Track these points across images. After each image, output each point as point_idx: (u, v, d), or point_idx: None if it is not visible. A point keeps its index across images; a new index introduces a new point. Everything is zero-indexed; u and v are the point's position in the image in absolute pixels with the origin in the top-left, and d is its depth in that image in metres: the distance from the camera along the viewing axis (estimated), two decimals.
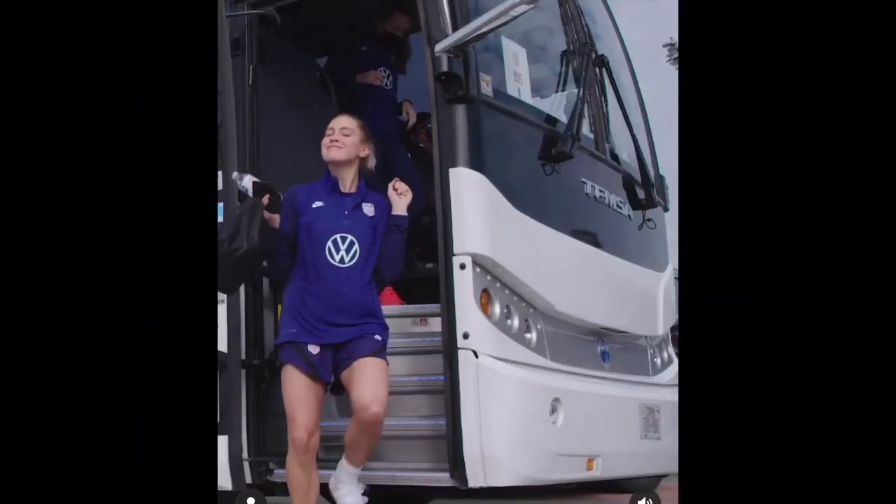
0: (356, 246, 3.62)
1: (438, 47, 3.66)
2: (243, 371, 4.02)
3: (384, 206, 3.69)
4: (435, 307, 4.24)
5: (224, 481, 3.81)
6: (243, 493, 3.75)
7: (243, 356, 4.01)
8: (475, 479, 3.55)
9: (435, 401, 3.94)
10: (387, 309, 4.85)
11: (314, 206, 3.66)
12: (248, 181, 3.65)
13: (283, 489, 4.37)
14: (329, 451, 4.28)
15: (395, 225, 3.67)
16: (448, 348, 3.63)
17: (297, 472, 3.62)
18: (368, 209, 3.69)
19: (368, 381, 3.52)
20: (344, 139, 3.68)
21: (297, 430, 3.56)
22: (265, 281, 4.18)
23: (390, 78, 5.02)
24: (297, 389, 3.60)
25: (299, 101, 4.74)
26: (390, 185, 3.70)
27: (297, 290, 3.64)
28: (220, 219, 3.83)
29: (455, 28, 3.70)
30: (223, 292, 3.86)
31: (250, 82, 4.25)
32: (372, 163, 3.77)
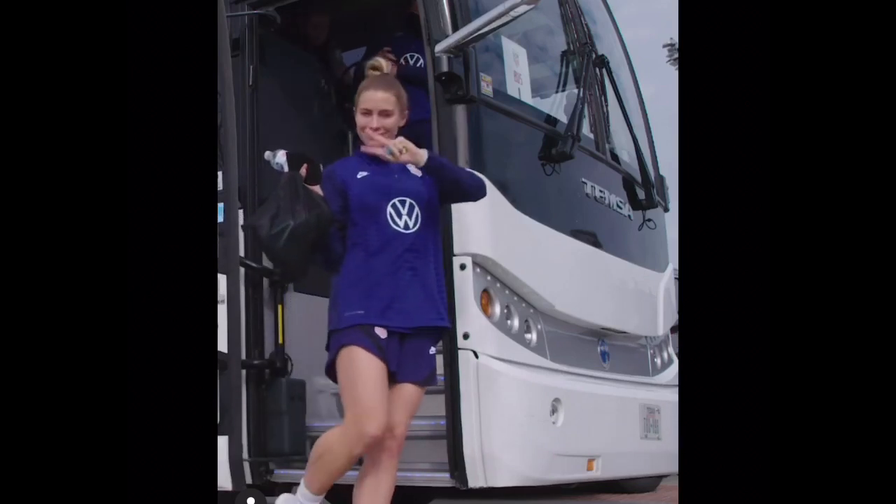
0: (416, 209, 3.31)
1: (438, 47, 3.66)
2: (243, 371, 4.01)
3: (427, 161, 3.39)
4: None
5: (224, 481, 3.81)
6: (243, 493, 3.75)
7: (243, 356, 4.01)
8: (475, 479, 3.56)
9: (435, 401, 3.94)
10: None
11: (359, 176, 3.34)
12: (281, 156, 3.41)
13: (283, 489, 4.37)
14: None
15: (432, 170, 3.31)
16: (448, 348, 3.62)
17: (342, 452, 3.21)
18: (414, 168, 3.38)
19: (405, 410, 3.30)
20: (384, 122, 3.33)
21: (370, 421, 3.16)
22: (265, 281, 4.18)
23: (420, 63, 4.79)
24: (370, 372, 3.19)
25: (299, 101, 4.74)
26: (385, 155, 3.29)
27: (360, 263, 3.28)
28: (220, 219, 3.83)
29: (455, 28, 3.71)
30: (290, 280, 3.63)
31: (250, 82, 4.26)
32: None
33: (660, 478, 6.32)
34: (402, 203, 3.31)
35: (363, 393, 3.18)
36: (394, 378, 3.25)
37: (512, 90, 4.10)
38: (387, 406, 3.20)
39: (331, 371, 3.35)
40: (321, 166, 3.37)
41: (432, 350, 3.34)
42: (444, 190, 3.38)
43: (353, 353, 3.21)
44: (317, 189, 3.31)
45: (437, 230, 3.40)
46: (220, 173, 3.85)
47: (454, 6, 3.76)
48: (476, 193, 3.43)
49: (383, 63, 3.46)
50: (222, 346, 3.77)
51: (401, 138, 3.30)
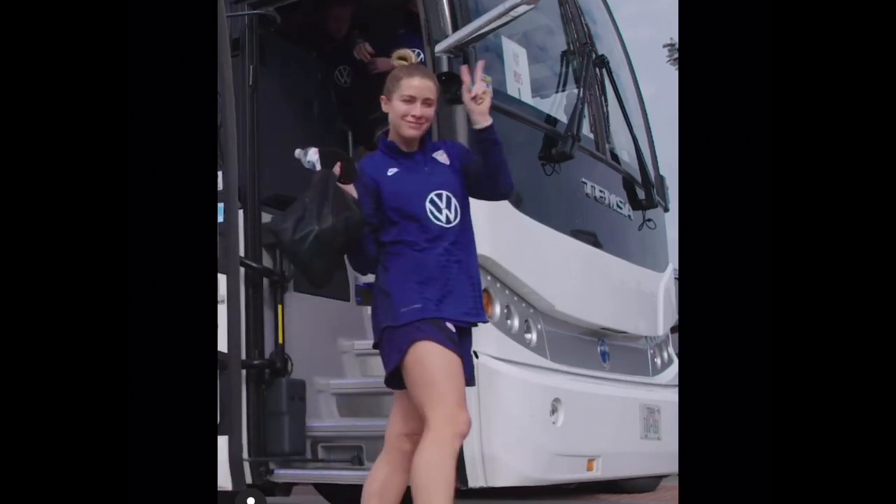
0: (454, 201, 3.18)
1: (438, 47, 3.66)
2: (243, 371, 4.01)
3: (452, 148, 3.34)
4: None
5: (224, 481, 3.81)
6: (243, 493, 3.75)
7: (243, 356, 4.01)
8: (475, 479, 3.56)
9: None
10: None
11: (390, 173, 3.20)
12: (313, 154, 3.26)
13: (283, 489, 4.38)
14: (329, 451, 4.29)
15: (484, 141, 3.17)
16: None
17: (446, 462, 3.01)
18: (441, 157, 3.28)
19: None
20: (426, 112, 3.20)
21: (462, 415, 3.03)
22: (265, 281, 4.19)
23: (422, 59, 4.91)
24: (451, 366, 3.04)
25: (299, 101, 4.74)
26: (466, 93, 3.15)
27: (409, 259, 3.14)
28: (220, 219, 3.83)
29: (455, 28, 3.71)
30: (315, 286, 3.42)
31: (250, 82, 4.26)
32: None
33: (660, 478, 6.31)
34: (440, 197, 3.18)
35: (448, 389, 3.03)
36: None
37: (512, 90, 4.10)
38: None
39: (393, 370, 3.13)
40: (356, 164, 3.24)
41: (472, 348, 3.24)
42: (481, 175, 3.22)
43: (429, 349, 3.04)
44: (350, 189, 3.19)
45: (471, 219, 3.26)
46: (220, 173, 3.85)
47: (454, 6, 3.76)
48: (508, 188, 3.32)
49: (411, 54, 3.35)
50: (222, 346, 3.77)
51: (484, 88, 3.15)
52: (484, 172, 3.21)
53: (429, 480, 2.99)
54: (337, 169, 3.17)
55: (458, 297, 3.13)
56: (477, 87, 3.14)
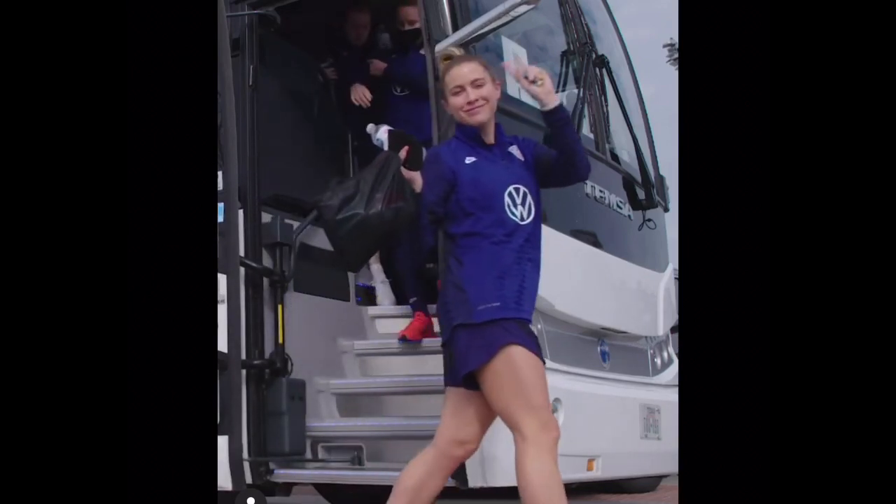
0: (529, 198, 3.09)
1: (439, 47, 3.66)
2: (243, 371, 4.01)
3: (525, 144, 3.26)
4: (435, 307, 4.25)
5: (224, 481, 3.81)
6: (243, 493, 3.75)
7: (243, 356, 4.01)
8: (475, 479, 3.55)
9: (435, 401, 3.94)
10: (384, 309, 4.88)
11: (468, 162, 3.08)
12: (382, 133, 3.14)
13: (283, 489, 4.38)
14: (329, 451, 4.29)
15: (556, 121, 3.08)
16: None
17: (554, 470, 2.93)
18: (516, 152, 3.20)
19: (491, 420, 3.07)
20: (479, 93, 3.11)
21: (552, 417, 2.98)
22: (265, 281, 4.18)
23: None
24: (538, 370, 2.95)
25: (299, 101, 4.74)
26: (523, 80, 3.09)
27: (485, 252, 3.00)
28: (220, 219, 3.83)
29: (455, 28, 3.70)
30: (348, 269, 3.25)
31: (250, 82, 4.25)
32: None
33: (660, 478, 6.32)
34: (517, 191, 3.08)
35: (539, 396, 2.95)
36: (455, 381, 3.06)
37: (512, 90, 4.09)
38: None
39: (469, 371, 3.00)
40: (424, 150, 3.09)
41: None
42: (556, 162, 3.14)
43: (520, 355, 2.94)
44: (415, 177, 3.03)
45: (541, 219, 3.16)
46: (220, 173, 3.85)
47: (454, 6, 3.76)
48: (587, 169, 3.20)
49: (455, 50, 3.32)
50: (222, 346, 3.77)
51: (538, 69, 3.04)
52: (560, 157, 3.13)
53: (548, 495, 2.89)
54: (403, 153, 3.02)
55: (533, 295, 3.06)
56: (531, 70, 3.06)
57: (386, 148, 3.06)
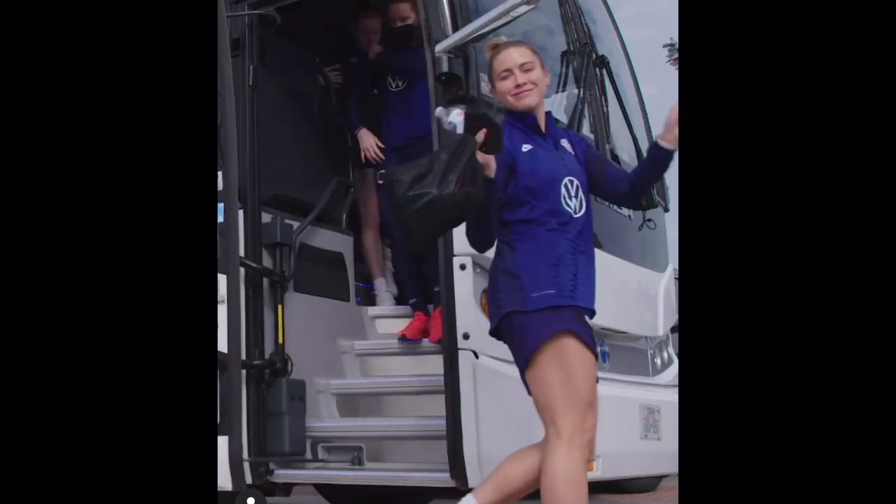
0: (581, 191, 3.08)
1: (439, 47, 3.66)
2: (243, 371, 4.01)
3: (576, 140, 3.27)
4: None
5: (224, 481, 3.81)
6: (243, 493, 3.75)
7: (243, 356, 4.01)
8: (475, 480, 3.55)
9: (435, 401, 3.94)
10: (384, 309, 4.88)
11: (524, 149, 3.05)
12: (456, 115, 3.03)
13: (283, 489, 4.38)
14: (329, 451, 4.29)
15: (662, 159, 3.08)
16: (448, 348, 3.62)
17: (583, 471, 2.90)
18: (567, 145, 3.19)
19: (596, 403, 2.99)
20: (528, 77, 3.09)
21: (591, 416, 2.93)
22: (265, 281, 4.18)
23: (402, 80, 4.74)
24: (591, 367, 2.92)
25: (299, 101, 4.74)
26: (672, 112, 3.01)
27: (540, 239, 2.97)
28: (220, 219, 3.83)
29: (455, 28, 3.70)
30: (411, 250, 3.19)
31: (250, 82, 4.25)
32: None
33: (660, 478, 6.32)
34: (571, 183, 3.06)
35: (584, 393, 2.91)
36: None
37: None
38: None
39: (524, 360, 2.95)
40: (503, 132, 2.98)
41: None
42: (613, 181, 3.19)
43: (570, 346, 2.90)
44: (489, 161, 2.96)
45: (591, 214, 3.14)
46: (220, 173, 3.85)
47: (454, 6, 3.76)
48: (637, 203, 3.30)
49: (502, 38, 3.30)
50: (222, 346, 3.77)
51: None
52: (629, 182, 3.17)
53: (573, 495, 2.86)
54: (481, 136, 2.92)
55: (588, 285, 3.03)
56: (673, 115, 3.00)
57: (459, 130, 2.98)
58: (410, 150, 4.49)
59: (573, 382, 2.89)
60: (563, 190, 3.05)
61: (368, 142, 4.68)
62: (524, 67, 3.10)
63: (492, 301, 3.05)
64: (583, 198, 3.10)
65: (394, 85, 4.74)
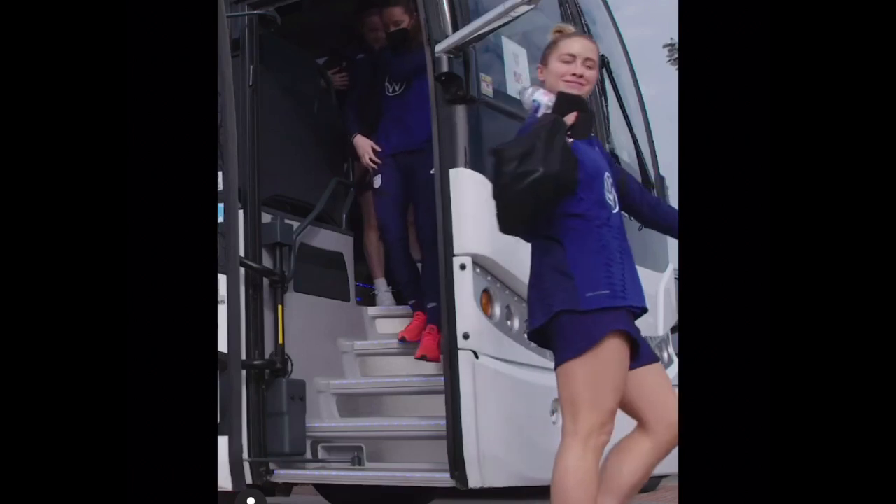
0: (613, 187, 3.07)
1: (439, 47, 3.66)
2: (243, 371, 4.01)
3: (595, 140, 3.24)
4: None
5: (224, 481, 3.81)
6: (243, 493, 3.76)
7: (243, 356, 4.01)
8: (475, 480, 3.55)
9: (435, 401, 3.94)
10: (384, 309, 4.88)
11: (568, 140, 2.96)
12: (542, 95, 2.96)
13: (283, 489, 4.38)
14: (329, 452, 4.29)
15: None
16: (448, 348, 3.62)
17: (595, 473, 2.89)
18: (594, 144, 3.19)
19: (672, 392, 2.94)
20: (587, 72, 3.06)
21: (611, 422, 2.90)
22: (265, 281, 4.19)
23: (400, 84, 4.70)
24: (625, 370, 2.89)
25: (299, 101, 4.74)
26: None
27: (591, 234, 2.93)
28: (220, 219, 3.83)
29: (455, 28, 3.70)
30: (502, 228, 3.03)
31: (250, 82, 4.25)
32: None
33: (660, 478, 6.31)
34: (607, 178, 3.04)
35: (614, 399, 2.89)
36: (637, 363, 2.98)
37: (512, 90, 4.09)
38: None
39: (570, 359, 2.91)
40: (595, 116, 2.92)
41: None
42: (652, 210, 3.35)
43: (619, 349, 2.89)
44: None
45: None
46: (220, 173, 3.85)
47: (454, 6, 3.76)
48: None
49: (569, 27, 3.29)
50: (222, 346, 3.77)
51: None
52: (657, 214, 3.33)
53: (582, 495, 2.85)
54: (571, 118, 2.85)
55: (636, 283, 3.01)
56: None
57: (543, 111, 2.92)
58: (407, 158, 4.49)
59: (603, 384, 2.88)
60: (606, 182, 3.04)
61: (364, 148, 4.67)
62: (587, 62, 3.07)
63: (538, 299, 2.99)
64: (615, 196, 3.08)
65: (391, 90, 4.70)
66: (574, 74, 3.04)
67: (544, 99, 2.98)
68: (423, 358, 4.23)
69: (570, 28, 3.30)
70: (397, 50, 4.64)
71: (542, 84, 3.14)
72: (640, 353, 2.98)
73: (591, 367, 2.87)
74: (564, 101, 2.90)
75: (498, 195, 2.91)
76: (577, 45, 3.09)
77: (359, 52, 5.00)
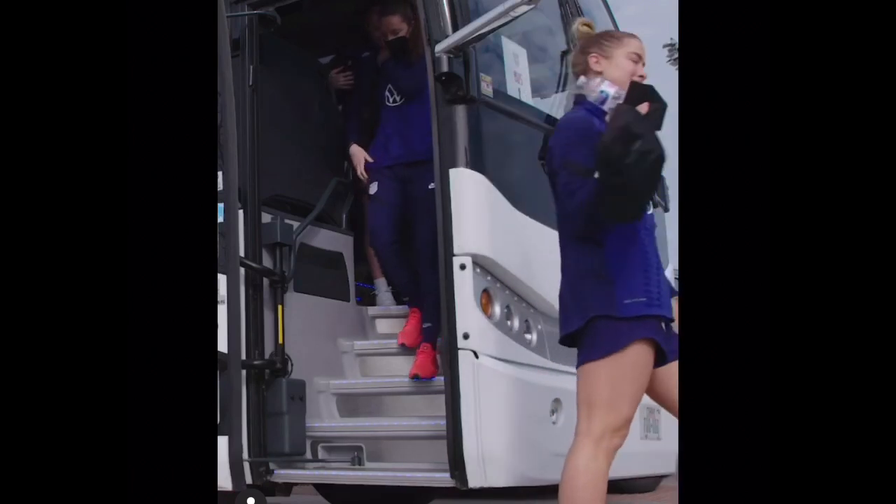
0: None
1: (439, 47, 3.66)
2: (243, 371, 4.01)
3: None
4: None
5: (224, 481, 3.81)
6: (243, 493, 3.76)
7: (243, 356, 4.01)
8: (475, 479, 3.55)
9: (435, 401, 3.94)
10: (384, 309, 4.88)
11: None
12: (608, 85, 2.98)
13: (283, 489, 4.38)
14: (329, 451, 4.29)
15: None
16: (448, 348, 3.62)
17: (605, 475, 2.89)
18: None
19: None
20: (642, 73, 3.09)
21: (627, 427, 2.91)
22: (265, 281, 4.19)
23: (400, 94, 4.65)
24: (645, 377, 2.89)
25: (299, 101, 4.74)
26: None
27: (631, 239, 2.90)
28: (220, 219, 3.84)
29: (455, 28, 3.70)
30: (626, 219, 2.85)
31: (250, 82, 4.25)
32: None
33: (660, 478, 6.32)
34: None
35: (633, 406, 2.89)
36: (664, 359, 2.96)
37: (512, 90, 4.09)
38: None
39: (593, 360, 2.90)
40: (666, 107, 2.81)
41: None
42: None
43: (645, 354, 2.88)
44: None
45: None
46: (220, 173, 3.85)
47: (454, 6, 3.76)
48: None
49: (593, 22, 3.31)
50: (222, 346, 3.77)
51: None
52: None
53: (590, 496, 2.84)
54: (644, 108, 2.80)
55: (666, 291, 2.99)
56: None
57: (612, 100, 2.90)
58: (406, 171, 4.47)
59: (623, 388, 2.87)
60: None
61: (357, 159, 4.65)
62: (643, 64, 3.11)
63: (573, 303, 2.96)
64: None
65: (391, 100, 4.65)
66: (640, 76, 3.05)
67: (612, 90, 2.97)
68: (415, 377, 4.21)
69: (594, 23, 3.30)
70: (397, 58, 4.60)
71: (587, 73, 3.11)
72: (673, 347, 2.93)
73: (613, 370, 2.86)
74: (638, 92, 2.85)
75: (621, 175, 2.74)
76: (642, 49, 3.11)
77: (364, 50, 4.99)
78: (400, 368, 4.52)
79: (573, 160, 2.90)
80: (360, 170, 4.64)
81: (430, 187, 4.15)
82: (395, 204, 4.54)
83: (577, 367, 2.99)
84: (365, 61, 4.94)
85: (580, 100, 3.13)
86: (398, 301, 4.88)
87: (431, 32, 3.74)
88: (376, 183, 4.58)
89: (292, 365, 4.20)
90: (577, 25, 3.26)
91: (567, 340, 3.04)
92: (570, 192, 2.90)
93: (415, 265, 4.48)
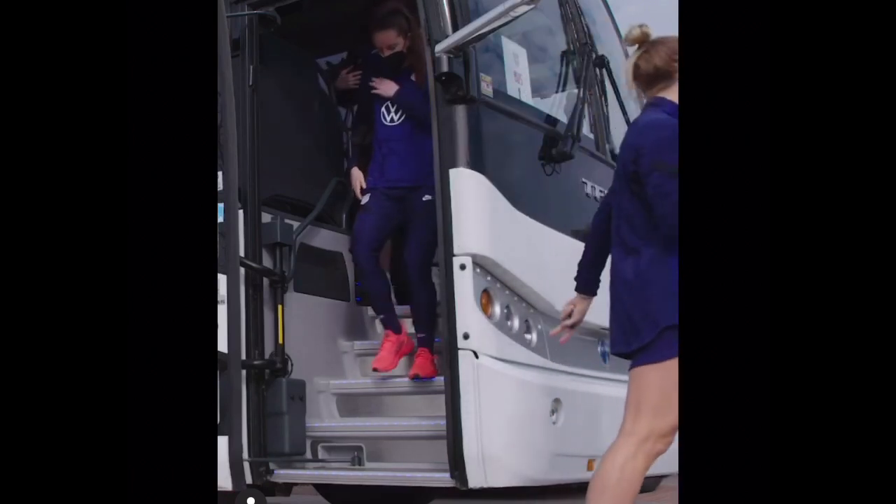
0: None
1: (439, 47, 3.66)
2: (243, 371, 4.02)
3: None
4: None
5: (224, 481, 3.81)
6: (243, 493, 3.76)
7: (243, 356, 4.01)
8: (475, 480, 3.56)
9: (435, 401, 3.94)
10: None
11: None
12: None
13: (283, 489, 4.38)
14: (329, 451, 4.30)
15: None
16: (448, 349, 3.63)
17: (641, 475, 2.91)
18: None
19: None
20: None
21: (674, 434, 2.90)
22: (265, 281, 4.19)
23: (398, 112, 4.55)
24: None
25: (299, 100, 4.74)
26: None
27: (668, 265, 2.90)
28: (220, 219, 3.84)
29: (455, 28, 3.70)
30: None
31: (250, 82, 4.25)
32: None
33: (660, 478, 6.31)
34: None
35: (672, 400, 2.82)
36: None
37: (512, 90, 4.10)
38: None
39: (653, 361, 2.92)
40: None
41: None
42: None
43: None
44: None
45: None
46: (220, 173, 3.85)
47: (454, 6, 3.76)
48: None
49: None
50: (222, 346, 3.77)
51: None
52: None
53: (622, 493, 2.86)
54: None
55: None
56: None
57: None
58: (401, 192, 4.44)
59: (674, 394, 2.75)
60: None
61: (354, 184, 4.62)
62: None
63: (643, 313, 2.97)
64: None
65: (388, 118, 4.54)
66: None
67: None
68: (415, 377, 4.20)
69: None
70: (396, 73, 4.54)
71: (671, 76, 3.15)
72: None
73: (667, 376, 2.84)
74: None
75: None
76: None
77: (372, 47, 4.97)
78: (400, 368, 4.52)
79: (667, 161, 2.90)
80: (358, 193, 4.61)
81: (424, 199, 4.15)
82: (385, 215, 4.47)
83: (629, 369, 3.00)
84: (372, 59, 4.92)
85: (659, 102, 3.15)
86: (399, 301, 4.88)
87: (431, 32, 3.74)
88: (370, 195, 4.54)
89: (292, 365, 4.20)
90: (639, 30, 3.25)
91: (624, 353, 3.03)
92: (665, 194, 2.91)
93: (404, 276, 4.46)
